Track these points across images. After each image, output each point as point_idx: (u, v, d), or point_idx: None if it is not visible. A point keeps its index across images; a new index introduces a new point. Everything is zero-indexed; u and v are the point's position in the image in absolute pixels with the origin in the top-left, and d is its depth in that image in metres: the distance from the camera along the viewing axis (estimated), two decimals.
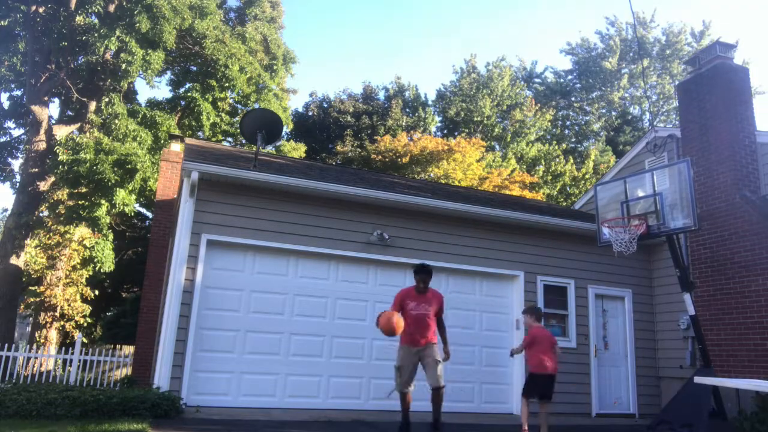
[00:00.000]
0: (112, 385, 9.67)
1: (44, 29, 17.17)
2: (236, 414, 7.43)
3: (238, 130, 18.52)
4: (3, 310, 16.07)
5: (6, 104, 19.44)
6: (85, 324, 18.23)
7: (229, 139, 22.79)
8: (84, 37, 16.65)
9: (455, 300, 9.55)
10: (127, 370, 12.62)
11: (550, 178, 26.72)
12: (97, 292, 18.44)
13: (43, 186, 16.99)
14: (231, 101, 22.14)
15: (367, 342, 8.77)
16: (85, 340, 12.32)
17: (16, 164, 24.37)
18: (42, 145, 16.96)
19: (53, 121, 18.14)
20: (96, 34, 15.84)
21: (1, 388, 7.29)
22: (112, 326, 20.70)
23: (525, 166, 26.90)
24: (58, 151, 15.48)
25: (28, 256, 16.93)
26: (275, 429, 6.70)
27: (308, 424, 7.11)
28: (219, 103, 20.93)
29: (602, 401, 10.12)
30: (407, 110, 29.49)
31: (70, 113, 18.99)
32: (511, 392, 9.59)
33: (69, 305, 16.87)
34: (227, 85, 19.58)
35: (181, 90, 21.03)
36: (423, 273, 6.46)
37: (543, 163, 27.29)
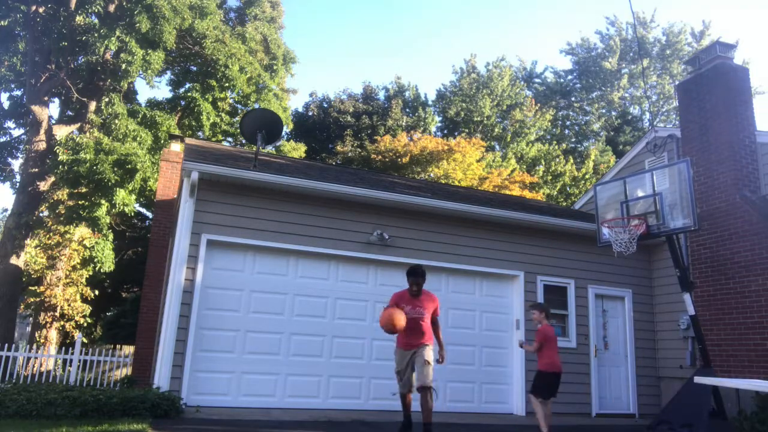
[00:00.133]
0: (112, 385, 9.67)
1: (44, 29, 17.17)
2: (236, 414, 7.42)
3: (238, 130, 18.52)
4: (3, 310, 16.07)
5: (6, 104, 19.45)
6: (85, 324, 18.24)
7: (229, 139, 22.79)
8: (84, 37, 16.65)
9: (455, 300, 9.55)
10: (127, 370, 12.62)
11: (550, 178, 26.71)
12: (97, 292, 18.44)
13: (43, 186, 16.99)
14: (231, 101, 22.14)
15: (367, 342, 8.77)
16: (85, 340, 12.32)
17: (16, 164, 24.39)
18: (42, 145, 16.96)
19: (53, 121, 18.14)
20: (96, 34, 15.84)
21: (1, 388, 7.29)
22: (112, 326, 20.69)
23: (525, 166, 26.90)
24: (58, 151, 15.48)
25: (28, 256, 16.93)
26: (275, 429, 6.70)
27: (308, 424, 7.10)
28: (219, 103, 20.93)
29: (602, 401, 10.12)
30: (407, 110, 29.50)
31: (70, 113, 18.99)
32: (511, 392, 9.59)
33: (69, 305, 16.88)
34: (227, 85, 19.58)
35: (181, 90, 21.03)
36: (416, 275, 6.28)
37: (543, 163, 27.29)
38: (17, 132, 20.93)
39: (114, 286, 23.30)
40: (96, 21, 17.26)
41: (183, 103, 20.44)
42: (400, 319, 5.94)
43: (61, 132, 17.32)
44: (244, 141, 20.50)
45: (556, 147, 28.49)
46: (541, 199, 22.43)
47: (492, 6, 67.05)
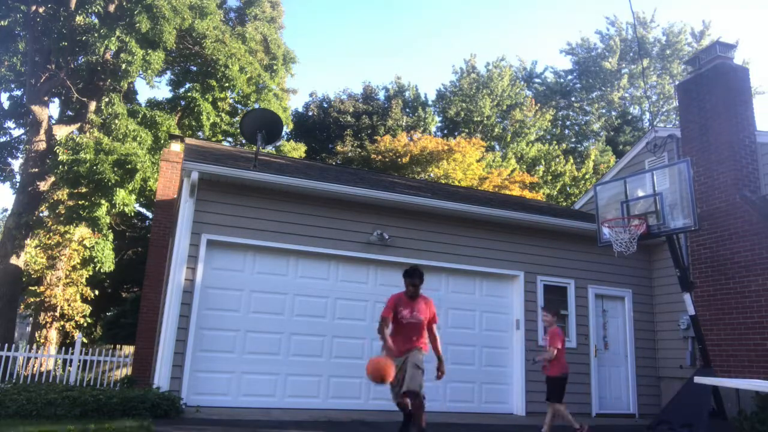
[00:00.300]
0: (112, 385, 9.67)
1: (44, 29, 17.17)
2: (236, 414, 7.43)
3: (238, 130, 18.52)
4: (3, 310, 16.07)
5: (6, 104, 19.46)
6: (85, 324, 18.24)
7: (229, 139, 22.79)
8: (84, 37, 16.66)
9: (455, 300, 9.56)
10: (127, 370, 12.62)
11: (550, 178, 26.72)
12: (97, 292, 18.45)
13: (43, 186, 16.99)
14: (231, 101, 22.14)
15: (367, 342, 8.76)
16: (85, 340, 12.32)
17: (16, 164, 24.40)
18: (42, 145, 16.96)
19: (53, 121, 18.14)
20: (96, 34, 15.85)
21: (1, 388, 7.29)
22: (112, 326, 20.69)
23: (525, 166, 26.90)
24: (58, 151, 15.48)
25: (28, 256, 16.93)
26: (275, 429, 6.70)
27: (308, 424, 7.10)
28: (219, 103, 20.93)
29: (602, 401, 10.11)
30: (407, 110, 29.50)
31: (70, 113, 19.00)
32: (511, 392, 9.59)
33: (69, 305, 16.88)
34: (227, 85, 19.58)
35: (181, 90, 21.04)
36: (412, 276, 5.91)
37: (543, 163, 27.30)
38: (17, 132, 20.96)
39: (114, 286, 23.29)
40: (96, 21, 17.26)
41: (183, 103, 20.44)
42: (391, 372, 5.48)
43: (61, 132, 17.33)
44: (244, 141, 20.50)
45: (556, 147, 28.50)
46: (541, 199, 22.44)
47: (492, 6, 67.09)
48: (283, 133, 21.80)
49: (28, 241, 16.93)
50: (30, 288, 17.15)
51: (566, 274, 10.28)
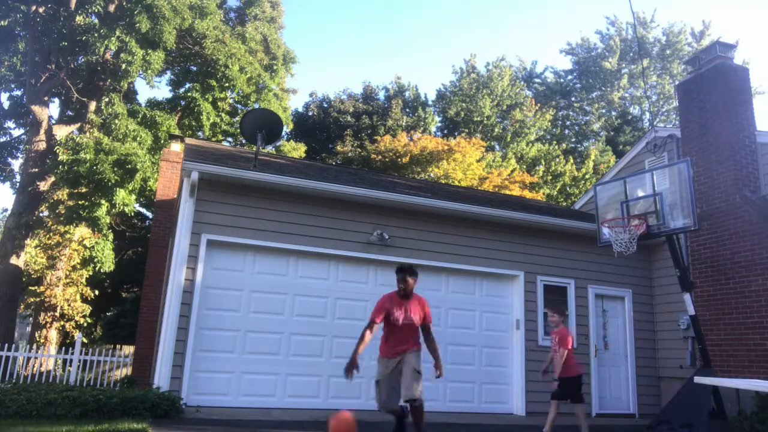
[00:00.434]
0: (112, 385, 9.67)
1: (44, 29, 17.17)
2: (236, 414, 7.43)
3: (238, 130, 18.52)
4: (3, 310, 16.07)
5: (6, 104, 19.46)
6: (85, 324, 18.24)
7: (229, 139, 22.79)
8: (84, 37, 16.66)
9: (455, 300, 9.55)
10: (127, 370, 12.62)
11: (550, 178, 26.72)
12: (97, 292, 18.45)
13: (43, 186, 16.99)
14: (231, 101, 22.14)
15: None
16: (85, 340, 12.32)
17: (16, 164, 24.39)
18: (42, 145, 16.96)
19: (53, 121, 18.14)
20: (96, 34, 15.85)
21: (1, 388, 7.29)
22: (112, 326, 20.69)
23: (525, 166, 26.90)
24: (58, 151, 15.48)
25: (28, 256, 16.93)
26: (275, 429, 6.70)
27: (308, 424, 7.11)
28: (219, 103, 20.93)
29: (602, 401, 10.11)
30: (407, 110, 29.50)
31: (70, 113, 19.00)
32: (511, 392, 9.59)
33: (69, 305, 16.88)
34: (227, 85, 19.58)
35: (181, 90, 21.04)
36: (404, 273, 5.62)
37: (543, 163, 27.30)
38: (17, 132, 20.96)
39: (114, 286, 23.30)
40: (96, 21, 17.26)
41: (183, 103, 20.44)
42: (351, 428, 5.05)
43: (61, 132, 17.33)
44: (244, 141, 20.50)
45: (556, 147, 28.50)
46: (541, 199, 22.44)
47: (492, 6, 67.09)
48: (283, 133, 21.80)
49: (28, 241, 16.93)
50: (30, 288, 17.15)
51: (566, 274, 10.28)
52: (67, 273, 17.12)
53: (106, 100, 16.68)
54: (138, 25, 15.83)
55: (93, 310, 18.67)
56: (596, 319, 10.40)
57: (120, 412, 6.67)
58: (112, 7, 17.12)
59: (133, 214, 18.51)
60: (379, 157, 23.46)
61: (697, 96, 9.52)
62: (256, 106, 21.16)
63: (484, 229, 9.86)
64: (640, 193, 8.20)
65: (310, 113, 29.91)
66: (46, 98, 17.52)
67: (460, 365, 9.30)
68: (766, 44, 62.83)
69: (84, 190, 15.27)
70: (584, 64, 33.27)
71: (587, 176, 26.23)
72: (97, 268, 16.84)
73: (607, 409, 10.11)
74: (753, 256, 8.36)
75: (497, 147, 28.98)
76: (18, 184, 18.04)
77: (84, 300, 17.55)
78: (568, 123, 34.09)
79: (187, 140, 12.28)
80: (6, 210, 28.47)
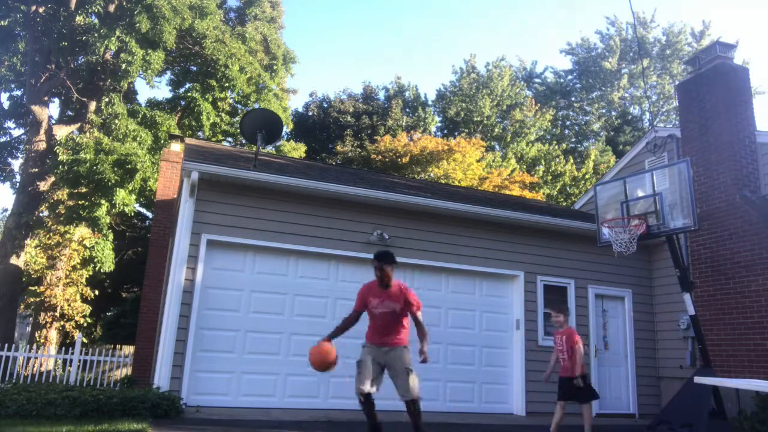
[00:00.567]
0: (112, 385, 9.67)
1: (44, 29, 17.18)
2: (236, 414, 7.42)
3: (238, 130, 18.52)
4: (3, 310, 16.08)
5: (6, 104, 19.46)
6: (85, 324, 18.24)
7: (229, 139, 22.79)
8: (84, 37, 16.66)
9: (455, 300, 9.55)
10: (127, 370, 12.62)
11: (550, 178, 26.72)
12: (97, 292, 18.44)
13: (43, 186, 16.99)
14: (231, 101, 22.15)
15: None
16: (85, 340, 12.32)
17: (16, 164, 24.40)
18: (42, 145, 16.96)
19: (53, 121, 18.15)
20: (96, 34, 15.85)
21: (1, 388, 7.29)
22: (112, 326, 20.68)
23: (525, 166, 26.90)
24: (58, 151, 15.48)
25: (28, 256, 16.93)
26: (275, 429, 6.69)
27: (308, 424, 7.10)
28: (219, 103, 20.93)
29: (602, 401, 10.10)
30: (407, 110, 29.50)
31: (70, 113, 19.00)
32: (511, 392, 9.59)
33: (69, 305, 16.88)
34: (227, 85, 19.58)
35: (181, 90, 21.04)
36: (382, 261, 5.33)
37: (543, 163, 27.30)
38: (17, 132, 20.97)
39: (114, 286, 23.29)
40: (96, 21, 17.26)
41: (183, 103, 20.45)
42: (328, 354, 5.22)
43: (61, 132, 17.33)
44: (244, 141, 20.50)
45: (556, 147, 28.50)
46: (541, 199, 22.44)
47: (492, 6, 67.08)
48: (283, 133, 21.81)
49: (28, 241, 16.93)
50: (30, 288, 17.15)
51: (566, 274, 10.28)
52: (67, 273, 17.12)
53: (106, 100, 16.68)
54: (138, 25, 15.84)
55: (93, 310, 18.66)
56: (596, 319, 10.40)
57: (120, 412, 6.67)
58: (112, 7, 17.12)
59: (133, 214, 18.52)
60: (379, 157, 23.46)
61: (697, 96, 9.52)
62: (256, 106, 21.16)
63: (484, 229, 9.86)
64: (640, 193, 8.19)
65: (310, 113, 29.91)
66: (46, 98, 17.52)
67: (460, 365, 9.30)
68: (766, 44, 62.85)
69: (84, 190, 15.27)
70: (584, 64, 33.27)
71: (587, 176, 26.24)
72: (97, 268, 16.84)
73: (607, 409, 10.11)
74: (753, 256, 8.36)
75: (497, 147, 28.98)
76: (18, 184, 18.05)
77: (84, 300, 17.55)
78: (568, 123, 34.09)
79: (187, 140, 12.28)
80: (6, 210, 28.51)
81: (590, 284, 10.42)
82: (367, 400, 5.30)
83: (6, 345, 10.34)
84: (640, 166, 11.47)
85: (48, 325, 16.63)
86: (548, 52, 65.60)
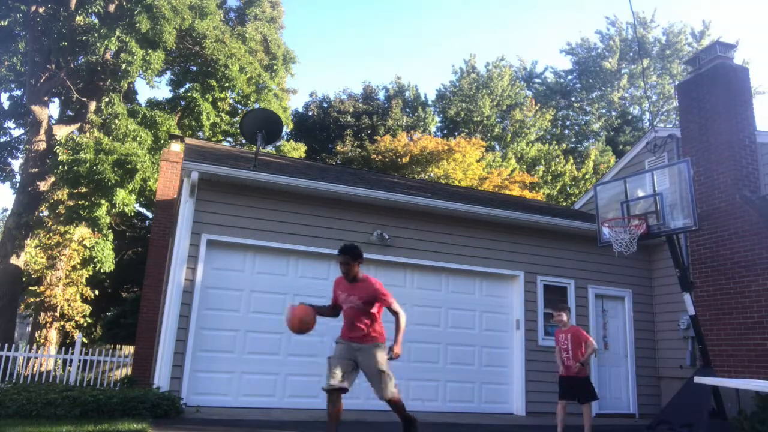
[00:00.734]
0: (112, 385, 9.67)
1: (44, 29, 17.18)
2: (236, 414, 7.43)
3: (238, 130, 18.52)
4: (3, 310, 16.08)
5: (6, 104, 19.47)
6: (85, 324, 18.24)
7: (229, 139, 22.79)
8: (84, 37, 16.66)
9: (455, 300, 9.55)
10: (127, 370, 12.62)
11: (550, 178, 26.72)
12: (97, 292, 18.45)
13: (43, 186, 16.99)
14: (231, 101, 22.15)
15: None
16: (85, 340, 12.32)
17: (16, 164, 24.42)
18: (42, 145, 16.96)
19: (53, 121, 18.15)
20: (96, 34, 15.85)
21: (1, 388, 7.30)
22: (112, 326, 20.67)
23: (525, 166, 26.90)
24: (58, 151, 15.49)
25: (28, 256, 16.93)
26: (275, 429, 6.69)
27: (308, 424, 7.10)
28: (219, 103, 20.93)
29: (602, 401, 10.10)
30: (407, 110, 29.50)
31: (70, 113, 19.00)
32: (511, 392, 9.59)
33: (69, 305, 16.88)
34: (227, 85, 19.59)
35: (181, 90, 21.04)
36: (346, 255, 5.28)
37: (543, 163, 27.30)
38: (17, 132, 20.97)
39: (114, 286, 23.29)
40: (96, 21, 17.27)
41: (183, 103, 20.45)
42: (304, 316, 5.15)
43: (61, 132, 17.33)
44: (244, 141, 20.50)
45: (556, 147, 28.50)
46: (541, 199, 22.44)
47: (492, 6, 67.09)
48: (283, 133, 21.81)
49: (28, 241, 16.93)
50: (30, 288, 17.15)
51: (566, 274, 10.28)
52: (67, 273, 17.12)
53: (106, 100, 16.68)
54: (138, 25, 15.84)
55: (93, 310, 18.66)
56: (596, 319, 10.39)
57: (120, 412, 6.67)
58: (112, 7, 17.12)
59: (133, 214, 18.52)
60: (379, 157, 23.46)
61: (697, 96, 9.52)
62: (256, 106, 21.16)
63: (484, 229, 9.86)
64: (640, 193, 8.19)
65: (310, 113, 29.91)
66: (46, 98, 17.52)
67: (459, 365, 9.30)
68: (766, 44, 62.83)
69: (84, 190, 15.27)
70: (584, 64, 33.27)
71: (587, 176, 26.24)
72: (97, 268, 16.84)
73: (607, 409, 10.11)
74: (753, 256, 8.35)
75: (497, 147, 28.98)
76: (18, 184, 18.05)
77: (84, 300, 17.55)
78: (568, 123, 34.10)
79: (187, 140, 12.28)
80: (6, 210, 28.51)
81: (590, 284, 10.42)
82: (331, 397, 5.15)
83: (6, 345, 10.34)
84: (640, 166, 11.47)
85: (48, 325, 16.63)
86: (548, 52, 65.64)
